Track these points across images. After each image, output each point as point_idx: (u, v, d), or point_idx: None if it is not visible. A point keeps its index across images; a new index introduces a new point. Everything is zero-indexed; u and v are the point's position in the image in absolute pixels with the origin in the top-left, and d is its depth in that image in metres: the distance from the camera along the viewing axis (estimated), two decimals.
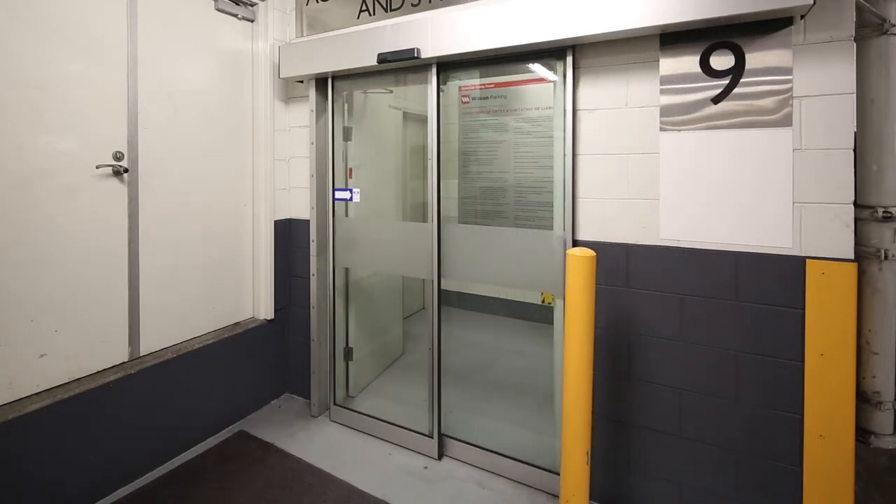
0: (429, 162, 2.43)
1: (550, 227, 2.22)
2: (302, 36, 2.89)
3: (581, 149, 2.06)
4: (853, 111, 1.60)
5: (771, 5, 1.56)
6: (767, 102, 1.71)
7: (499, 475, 2.29)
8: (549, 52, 2.11)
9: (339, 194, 2.81)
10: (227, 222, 2.76)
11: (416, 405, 2.75)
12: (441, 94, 2.43)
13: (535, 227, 2.33)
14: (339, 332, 2.97)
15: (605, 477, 2.05)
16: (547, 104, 2.32)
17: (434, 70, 2.39)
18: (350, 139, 2.99)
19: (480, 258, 2.32)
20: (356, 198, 2.77)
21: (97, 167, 2.13)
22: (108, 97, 2.18)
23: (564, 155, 2.08)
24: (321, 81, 2.82)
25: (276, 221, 2.92)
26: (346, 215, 2.88)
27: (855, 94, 1.61)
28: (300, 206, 2.96)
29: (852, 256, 1.61)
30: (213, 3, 2.65)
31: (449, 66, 2.40)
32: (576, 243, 2.06)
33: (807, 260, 1.66)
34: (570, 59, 2.05)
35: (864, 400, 1.91)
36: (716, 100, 1.79)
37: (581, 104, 2.06)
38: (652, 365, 1.94)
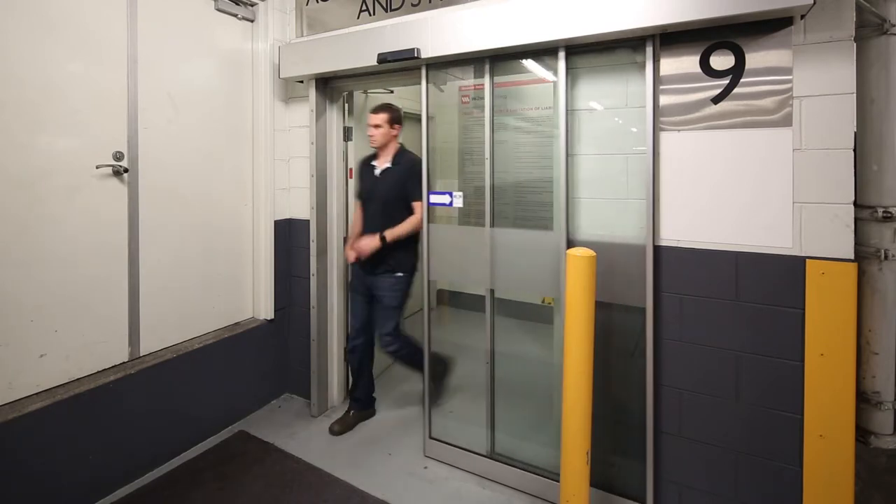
0: (486, 161, 2.28)
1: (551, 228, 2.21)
2: (302, 36, 2.89)
3: (578, 149, 2.06)
4: (853, 111, 1.60)
5: (771, 5, 1.55)
6: (767, 102, 1.71)
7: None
8: (548, 52, 2.10)
9: (434, 198, 2.47)
10: (227, 222, 2.76)
11: (416, 404, 2.75)
12: (440, 92, 2.44)
13: (537, 227, 2.31)
14: (340, 332, 2.97)
15: (604, 477, 2.05)
16: (549, 104, 2.31)
17: (424, 70, 2.40)
18: (350, 139, 3.00)
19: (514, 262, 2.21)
20: (457, 202, 2.42)
21: (97, 167, 2.13)
22: (108, 97, 2.18)
23: (564, 155, 2.08)
24: (321, 81, 2.82)
25: (276, 221, 2.92)
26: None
27: (855, 94, 1.60)
28: (300, 206, 2.96)
29: (852, 256, 1.61)
30: (213, 3, 2.65)
31: (449, 64, 2.39)
32: (573, 243, 2.06)
33: (807, 260, 1.66)
34: (564, 60, 2.04)
35: (864, 400, 1.91)
36: (716, 100, 1.79)
37: (578, 104, 2.05)
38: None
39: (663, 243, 1.89)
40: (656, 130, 1.88)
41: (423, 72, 2.40)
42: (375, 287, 2.62)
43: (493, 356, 2.34)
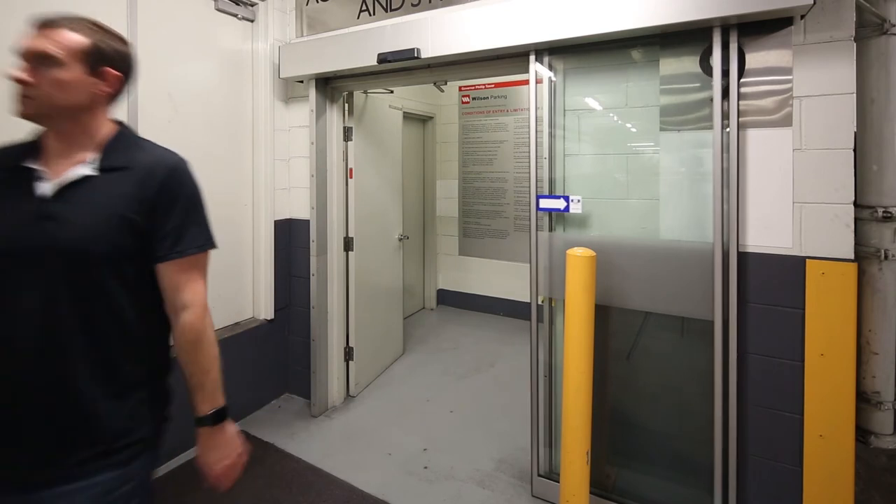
0: (544, 162, 2.04)
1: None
2: (302, 36, 2.89)
3: (575, 148, 2.06)
4: (853, 111, 1.60)
5: (771, 5, 1.56)
6: (767, 102, 1.71)
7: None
8: (550, 52, 2.10)
9: (545, 203, 2.04)
10: (228, 222, 2.76)
11: (415, 402, 2.75)
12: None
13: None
14: (340, 332, 2.97)
15: (604, 477, 2.05)
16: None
17: (532, 56, 2.06)
18: (350, 139, 3.00)
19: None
20: (574, 207, 2.01)
21: None
22: None
23: (559, 154, 2.08)
24: (321, 81, 2.82)
25: (275, 221, 2.91)
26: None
27: (855, 94, 1.60)
28: (300, 206, 2.96)
29: (852, 256, 1.61)
30: (213, 3, 2.65)
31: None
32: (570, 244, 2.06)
33: (807, 260, 1.66)
34: (561, 60, 2.03)
35: (864, 400, 1.91)
36: None
37: (577, 104, 2.06)
38: (651, 365, 1.94)
39: (749, 249, 1.77)
40: (740, 127, 1.75)
41: (532, 57, 2.06)
42: None
43: (552, 370, 2.18)
